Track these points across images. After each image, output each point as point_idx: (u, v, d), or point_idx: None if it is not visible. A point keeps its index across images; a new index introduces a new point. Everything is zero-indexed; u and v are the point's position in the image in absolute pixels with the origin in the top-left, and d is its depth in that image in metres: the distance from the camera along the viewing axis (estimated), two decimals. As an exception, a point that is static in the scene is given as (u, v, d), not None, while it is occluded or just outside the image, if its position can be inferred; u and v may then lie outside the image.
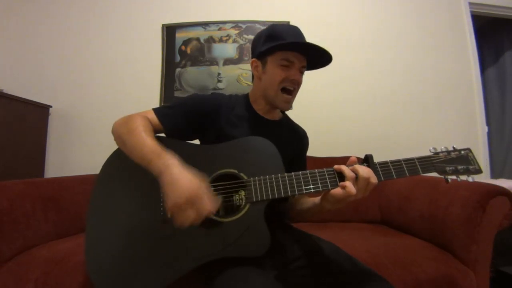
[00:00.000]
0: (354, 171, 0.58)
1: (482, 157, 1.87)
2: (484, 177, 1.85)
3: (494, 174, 2.41)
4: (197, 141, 0.81)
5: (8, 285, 0.80)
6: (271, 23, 1.86)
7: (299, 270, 0.67)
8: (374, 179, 0.57)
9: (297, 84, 0.75)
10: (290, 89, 0.75)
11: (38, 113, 1.71)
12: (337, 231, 1.17)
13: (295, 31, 0.74)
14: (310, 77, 1.87)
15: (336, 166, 0.59)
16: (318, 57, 0.74)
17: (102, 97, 1.83)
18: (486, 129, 1.93)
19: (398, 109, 1.86)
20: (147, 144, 0.61)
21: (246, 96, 0.84)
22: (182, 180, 0.54)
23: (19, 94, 1.58)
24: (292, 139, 0.85)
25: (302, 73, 0.76)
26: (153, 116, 0.73)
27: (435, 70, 1.90)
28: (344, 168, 0.58)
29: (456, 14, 1.97)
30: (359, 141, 1.81)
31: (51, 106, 1.78)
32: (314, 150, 1.40)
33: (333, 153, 1.61)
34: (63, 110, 1.81)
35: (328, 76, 1.85)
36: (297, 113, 1.85)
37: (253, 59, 0.78)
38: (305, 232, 0.80)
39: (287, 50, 0.72)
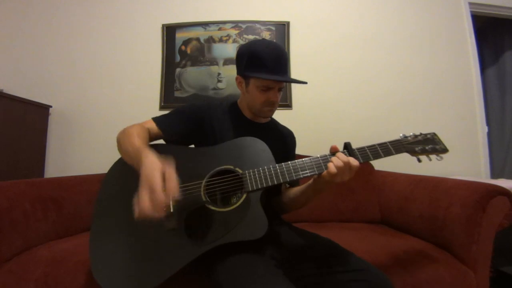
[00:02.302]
0: (340, 159, 0.65)
1: (482, 157, 1.87)
2: (484, 177, 1.85)
3: (494, 174, 2.41)
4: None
5: (8, 285, 0.80)
6: (271, 23, 1.86)
7: (298, 265, 0.69)
8: (354, 162, 0.65)
9: (277, 103, 0.84)
10: (271, 107, 0.83)
11: (38, 113, 1.71)
12: (337, 231, 1.17)
13: (276, 55, 0.77)
14: (310, 77, 1.89)
15: (328, 164, 0.65)
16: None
17: (102, 97, 1.83)
18: (486, 129, 1.93)
19: (397, 109, 1.86)
20: (132, 144, 0.67)
21: (235, 103, 0.92)
22: (146, 169, 0.56)
23: (19, 94, 1.58)
24: (279, 140, 0.92)
25: (280, 91, 0.83)
26: (152, 125, 0.80)
27: (435, 70, 1.91)
28: (333, 159, 0.66)
29: (456, 14, 1.98)
30: (358, 141, 1.80)
31: (51, 106, 1.78)
32: (314, 150, 1.40)
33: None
34: (63, 110, 1.81)
35: (327, 76, 1.85)
36: (296, 112, 1.86)
37: (237, 75, 0.85)
38: (302, 229, 0.83)
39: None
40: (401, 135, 0.74)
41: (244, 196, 0.66)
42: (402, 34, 1.93)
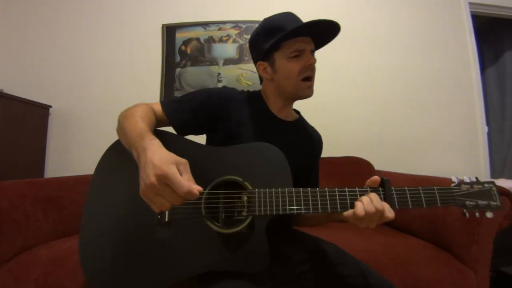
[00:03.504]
0: (373, 203, 0.52)
1: (482, 157, 1.87)
2: (484, 177, 1.85)
3: (494, 174, 2.41)
4: (203, 137, 0.79)
5: (8, 285, 0.80)
6: (271, 23, 1.86)
7: (303, 275, 0.66)
8: (390, 213, 0.52)
9: (314, 69, 0.72)
10: (310, 75, 0.71)
11: (38, 113, 1.71)
12: (338, 231, 1.17)
13: (291, 17, 0.71)
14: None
15: (356, 203, 0.53)
16: (325, 33, 0.71)
17: (102, 97, 1.83)
18: (486, 129, 1.93)
19: (397, 109, 1.86)
20: (134, 126, 0.57)
21: (259, 93, 0.80)
22: (154, 159, 0.46)
23: (19, 94, 1.58)
24: (305, 143, 0.80)
25: (313, 54, 0.73)
26: (158, 109, 0.70)
27: (435, 70, 1.90)
28: (364, 200, 0.53)
29: (456, 14, 1.98)
30: (359, 141, 1.81)
31: (51, 106, 1.78)
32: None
33: (332, 152, 1.61)
34: (63, 110, 1.81)
35: (327, 76, 1.85)
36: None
37: (259, 62, 0.74)
38: (308, 234, 0.78)
39: (294, 38, 0.68)
40: (454, 179, 0.60)
41: (249, 219, 0.57)
42: (402, 34, 1.93)
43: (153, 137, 0.54)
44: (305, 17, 0.72)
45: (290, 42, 0.68)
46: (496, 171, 2.51)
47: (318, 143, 0.85)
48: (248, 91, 0.80)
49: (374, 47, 1.90)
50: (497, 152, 2.58)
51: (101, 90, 1.84)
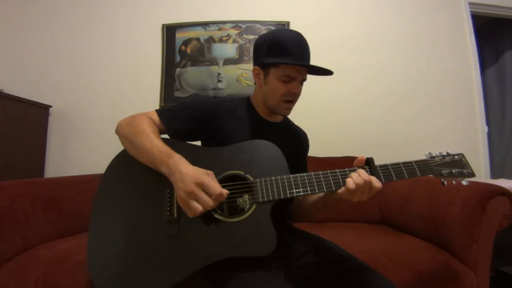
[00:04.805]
0: (361, 177, 0.59)
1: (482, 157, 1.87)
2: (484, 177, 1.85)
3: (494, 174, 2.41)
4: (198, 142, 0.81)
5: (8, 285, 0.80)
6: (271, 23, 1.86)
7: (304, 268, 0.68)
8: (377, 183, 0.59)
9: (298, 96, 0.78)
10: (292, 100, 0.77)
11: (38, 113, 1.71)
12: (337, 231, 1.17)
13: (299, 42, 0.73)
14: (310, 77, 1.88)
15: (347, 179, 0.60)
16: (319, 71, 0.75)
17: (102, 97, 1.83)
18: (486, 129, 1.92)
19: (398, 109, 1.86)
20: (155, 145, 0.65)
21: (248, 99, 0.86)
22: (189, 172, 0.58)
23: (19, 94, 1.58)
24: (293, 141, 0.86)
25: (302, 84, 0.78)
26: (156, 118, 0.75)
27: (435, 70, 1.90)
28: (353, 175, 0.60)
29: (456, 14, 1.97)
30: (360, 142, 1.81)
31: (51, 106, 1.78)
32: (314, 150, 1.40)
33: (333, 153, 1.61)
34: (63, 110, 1.82)
35: (330, 78, 1.84)
36: (298, 113, 1.86)
37: (255, 66, 0.78)
38: (308, 232, 0.81)
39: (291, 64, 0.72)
40: (427, 153, 0.68)
41: (254, 207, 0.62)
42: (402, 34, 1.92)
43: (179, 156, 0.63)
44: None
45: (286, 66, 0.72)
46: (496, 171, 2.51)
47: (303, 139, 0.92)
48: (238, 98, 0.86)
49: (374, 47, 1.90)
50: (497, 152, 2.58)
51: (101, 90, 1.84)
